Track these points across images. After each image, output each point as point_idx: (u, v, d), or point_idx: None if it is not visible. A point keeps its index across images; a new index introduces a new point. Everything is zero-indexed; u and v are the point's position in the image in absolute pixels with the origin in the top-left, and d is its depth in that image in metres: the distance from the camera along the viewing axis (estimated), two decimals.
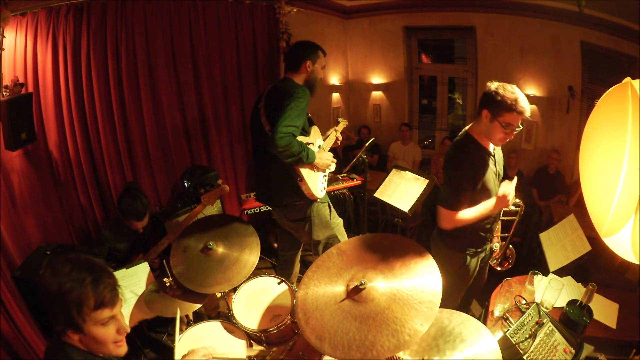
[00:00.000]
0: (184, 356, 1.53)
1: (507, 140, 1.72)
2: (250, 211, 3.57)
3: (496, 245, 2.12)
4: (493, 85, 1.68)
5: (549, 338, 1.49)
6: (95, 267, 1.02)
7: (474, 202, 1.79)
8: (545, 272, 2.04)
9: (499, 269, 2.19)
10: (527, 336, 1.47)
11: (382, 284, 1.27)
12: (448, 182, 1.82)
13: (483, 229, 1.94)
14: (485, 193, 1.80)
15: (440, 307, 1.20)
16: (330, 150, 2.34)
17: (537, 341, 1.46)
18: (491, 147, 1.86)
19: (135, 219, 2.41)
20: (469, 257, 1.96)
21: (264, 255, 3.63)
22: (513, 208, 2.09)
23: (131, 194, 2.42)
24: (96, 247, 2.36)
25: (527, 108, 1.63)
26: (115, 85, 2.99)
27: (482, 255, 2.04)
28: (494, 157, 1.85)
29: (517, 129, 1.69)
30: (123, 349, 1.09)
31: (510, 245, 2.18)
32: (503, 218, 2.15)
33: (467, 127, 1.87)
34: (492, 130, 1.71)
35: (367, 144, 3.00)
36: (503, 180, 1.92)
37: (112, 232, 2.41)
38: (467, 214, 1.78)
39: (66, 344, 1.02)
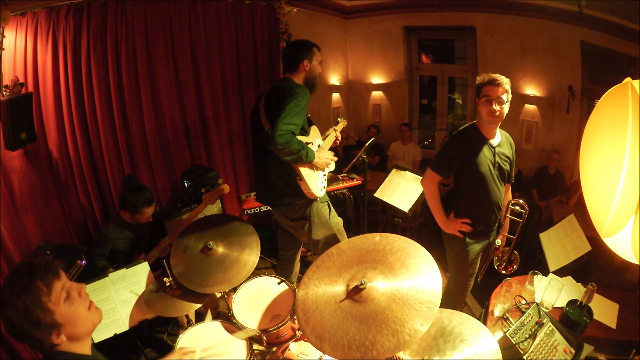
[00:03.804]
0: (170, 354, 1.50)
1: (495, 113, 1.88)
2: (250, 211, 3.57)
3: (498, 241, 2.22)
4: None
5: (549, 338, 1.49)
6: (23, 265, 0.99)
7: (465, 180, 2.05)
8: (545, 272, 2.04)
9: (503, 272, 2.21)
10: (527, 336, 1.47)
11: (382, 284, 1.27)
12: (440, 149, 2.15)
13: (479, 222, 2.09)
14: (476, 175, 1.99)
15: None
16: (330, 150, 2.33)
17: (537, 341, 1.46)
18: (495, 141, 2.02)
19: (145, 206, 2.40)
20: (467, 239, 2.11)
21: (264, 255, 3.63)
22: (518, 209, 2.15)
23: (132, 185, 2.47)
24: (97, 247, 2.36)
25: (500, 80, 1.86)
26: (115, 85, 2.99)
27: (484, 243, 2.19)
28: (494, 149, 2.02)
29: (500, 101, 1.86)
30: (98, 312, 1.08)
31: (515, 251, 2.21)
32: (509, 217, 2.21)
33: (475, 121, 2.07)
34: (480, 109, 1.94)
35: (367, 144, 2.99)
36: (504, 176, 2.10)
37: (118, 227, 2.41)
38: (432, 195, 2.13)
39: (56, 353, 0.99)
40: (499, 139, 2.05)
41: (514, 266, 2.23)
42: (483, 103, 1.91)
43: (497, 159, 2.02)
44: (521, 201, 2.17)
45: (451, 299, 2.33)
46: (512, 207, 2.21)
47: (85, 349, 1.06)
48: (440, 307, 1.19)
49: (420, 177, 2.88)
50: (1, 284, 1.79)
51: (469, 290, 2.33)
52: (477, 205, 2.07)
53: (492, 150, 2.00)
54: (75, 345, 1.02)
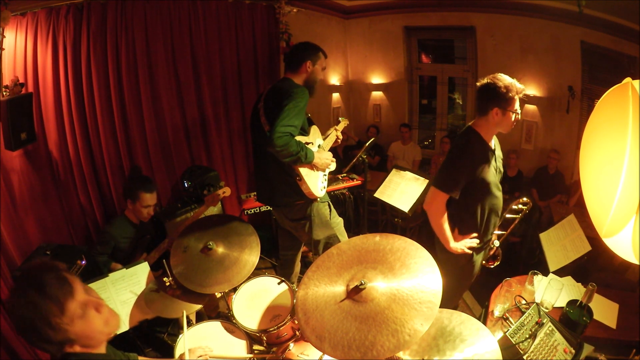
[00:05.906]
0: (181, 355, 1.54)
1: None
2: (250, 211, 3.57)
3: (496, 242, 2.11)
4: (485, 81, 1.76)
5: (549, 338, 1.49)
6: (31, 274, 0.90)
7: (472, 192, 1.84)
8: (545, 272, 2.04)
9: (484, 263, 2.17)
10: (527, 336, 1.47)
11: (382, 284, 1.27)
12: (445, 165, 1.90)
13: (486, 232, 1.99)
14: (485, 185, 1.84)
15: (440, 306, 1.20)
16: (330, 150, 2.33)
17: (537, 341, 1.46)
18: (492, 144, 1.90)
19: (144, 191, 2.37)
20: (474, 254, 2.00)
21: (264, 255, 3.63)
22: (521, 206, 2.11)
23: (135, 174, 2.66)
24: (100, 246, 2.35)
25: (522, 86, 1.76)
26: (115, 85, 2.99)
27: (487, 250, 2.09)
28: (494, 153, 1.89)
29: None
30: (115, 321, 1.01)
31: (498, 245, 2.14)
32: (508, 215, 2.17)
33: (470, 123, 1.90)
34: (505, 121, 1.78)
35: (367, 144, 3.00)
36: (504, 177, 2.02)
37: (121, 225, 2.41)
38: (441, 218, 1.87)
39: (69, 355, 0.94)
40: (493, 141, 1.93)
41: (496, 262, 2.15)
42: (511, 115, 1.76)
43: (497, 163, 1.92)
44: (525, 199, 2.16)
45: (444, 304, 2.27)
46: (517, 207, 2.15)
47: (100, 349, 1.03)
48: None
49: (421, 177, 2.90)
50: (2, 287, 1.79)
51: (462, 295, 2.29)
52: (485, 216, 1.92)
53: (493, 155, 1.89)
54: (90, 349, 0.98)
